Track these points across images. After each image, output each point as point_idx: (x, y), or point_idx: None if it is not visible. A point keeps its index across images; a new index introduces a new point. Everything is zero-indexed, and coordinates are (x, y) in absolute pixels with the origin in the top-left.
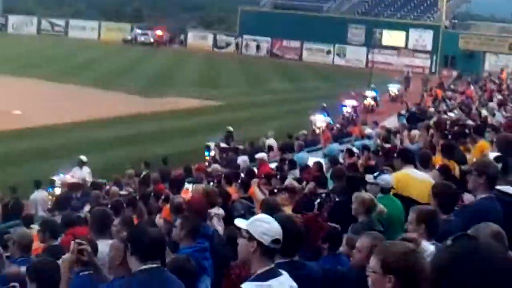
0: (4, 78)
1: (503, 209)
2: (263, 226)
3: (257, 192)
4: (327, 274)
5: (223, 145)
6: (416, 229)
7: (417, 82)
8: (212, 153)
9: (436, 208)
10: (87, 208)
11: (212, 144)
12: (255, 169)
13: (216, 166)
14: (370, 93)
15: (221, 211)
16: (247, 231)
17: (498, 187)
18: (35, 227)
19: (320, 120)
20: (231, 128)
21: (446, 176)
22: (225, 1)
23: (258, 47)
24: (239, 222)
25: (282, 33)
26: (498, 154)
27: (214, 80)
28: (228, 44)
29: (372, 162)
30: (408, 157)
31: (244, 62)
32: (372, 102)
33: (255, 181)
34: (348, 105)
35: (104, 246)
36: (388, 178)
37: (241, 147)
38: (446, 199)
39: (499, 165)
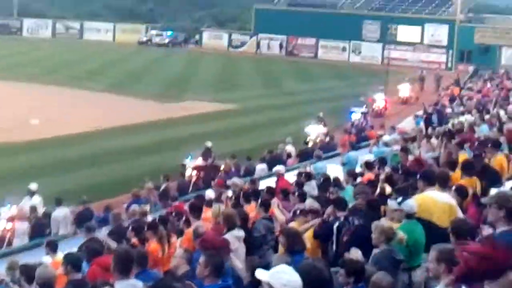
0: (22, 85)
1: None
2: (283, 277)
3: (278, 214)
4: None
5: (199, 163)
6: (437, 268)
7: (432, 79)
8: (188, 172)
9: (455, 246)
10: (106, 229)
11: (188, 161)
12: (274, 183)
13: (235, 179)
14: (379, 96)
15: (241, 233)
16: (269, 284)
17: None
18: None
19: (315, 132)
20: (209, 144)
21: (463, 197)
22: None
23: (273, 45)
24: (260, 274)
25: (297, 30)
26: None
27: (230, 82)
28: (243, 43)
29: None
30: (431, 179)
31: (259, 62)
32: (381, 106)
33: (275, 202)
34: (357, 111)
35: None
36: (412, 203)
37: (221, 164)
38: (464, 235)
39: None
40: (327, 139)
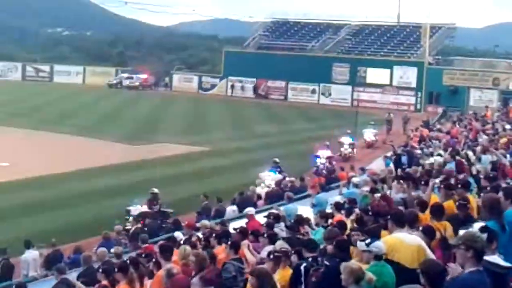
0: None
1: (492, 282)
2: None
3: (248, 255)
4: None
5: (144, 209)
6: None
7: (399, 121)
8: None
9: (425, 286)
10: (77, 272)
11: (133, 208)
12: (244, 224)
13: (204, 221)
14: (346, 140)
15: None
16: None
17: (486, 257)
18: None
19: (269, 178)
20: (156, 190)
21: (430, 238)
22: (208, 42)
23: (245, 88)
24: None
25: (267, 73)
26: (483, 224)
27: (201, 125)
28: (213, 86)
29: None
30: (400, 221)
31: (229, 104)
32: (349, 150)
33: (245, 243)
34: (322, 155)
35: None
36: (380, 244)
37: (169, 210)
38: (434, 276)
39: (485, 235)
40: (292, 183)
